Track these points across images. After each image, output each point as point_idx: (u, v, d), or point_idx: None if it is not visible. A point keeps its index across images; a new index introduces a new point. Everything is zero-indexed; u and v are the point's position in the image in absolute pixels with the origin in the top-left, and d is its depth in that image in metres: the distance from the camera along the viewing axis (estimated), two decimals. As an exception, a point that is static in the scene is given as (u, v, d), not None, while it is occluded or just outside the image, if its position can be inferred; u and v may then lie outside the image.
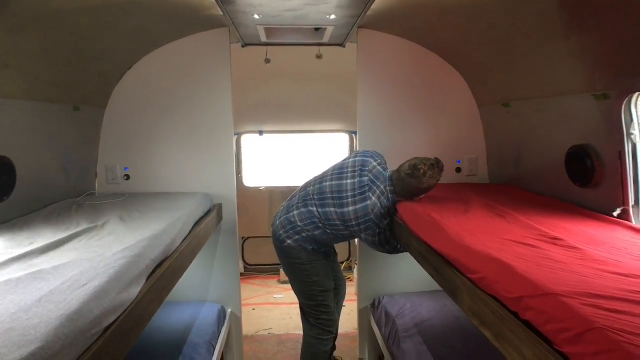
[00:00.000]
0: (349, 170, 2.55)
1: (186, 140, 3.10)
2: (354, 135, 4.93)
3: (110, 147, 3.05)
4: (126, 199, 2.74)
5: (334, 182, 2.54)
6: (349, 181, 2.50)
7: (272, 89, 4.64)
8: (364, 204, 2.42)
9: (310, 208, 2.56)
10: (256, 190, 5.19)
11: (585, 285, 1.18)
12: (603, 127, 1.94)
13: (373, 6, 2.40)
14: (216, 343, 2.72)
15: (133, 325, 1.35)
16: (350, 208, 2.45)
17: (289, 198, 2.76)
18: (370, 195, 2.43)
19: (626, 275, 1.27)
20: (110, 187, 3.07)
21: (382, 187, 2.45)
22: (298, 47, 3.41)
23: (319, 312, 2.67)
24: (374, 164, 2.56)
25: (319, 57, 3.47)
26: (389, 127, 3.20)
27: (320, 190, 2.57)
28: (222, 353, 2.96)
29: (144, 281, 1.53)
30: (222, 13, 2.51)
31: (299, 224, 2.57)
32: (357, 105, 3.17)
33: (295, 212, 2.60)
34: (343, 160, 2.68)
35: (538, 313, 1.12)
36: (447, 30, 2.79)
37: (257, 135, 5.04)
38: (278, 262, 2.81)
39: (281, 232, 2.62)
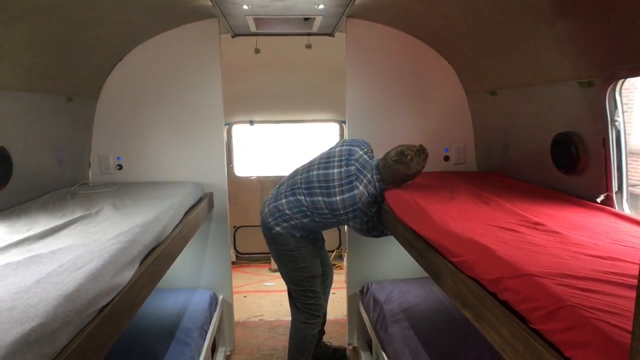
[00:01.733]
0: (335, 159, 2.56)
1: (177, 130, 3.12)
2: (343, 125, 4.97)
3: (103, 137, 3.07)
4: (119, 188, 2.77)
5: (320, 172, 2.57)
6: (335, 170, 2.52)
7: (262, 79, 4.66)
8: (351, 193, 2.45)
9: (299, 197, 2.59)
10: (247, 180, 5.22)
11: (560, 266, 1.24)
12: (588, 114, 1.99)
13: (362, -5, 2.44)
14: (208, 328, 2.77)
15: (126, 307, 1.40)
16: (338, 197, 2.47)
17: (277, 186, 2.80)
18: (357, 184, 2.45)
19: (602, 258, 1.33)
20: (103, 176, 3.09)
21: (368, 175, 2.47)
22: (287, 37, 3.43)
23: (306, 297, 2.73)
24: (360, 152, 2.57)
25: (309, 46, 3.50)
26: (378, 116, 3.24)
27: (308, 179, 2.59)
28: (214, 338, 3.02)
29: (137, 266, 1.57)
30: (211, 4, 2.53)
31: (287, 212, 2.60)
32: (346, 95, 3.20)
33: (284, 201, 2.63)
34: (329, 149, 2.70)
35: (514, 293, 1.18)
36: (435, 19, 2.83)
37: (248, 125, 5.07)
38: (269, 251, 2.87)
39: (270, 219, 2.66)
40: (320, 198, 2.53)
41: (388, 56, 3.20)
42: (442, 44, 3.13)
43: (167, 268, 1.92)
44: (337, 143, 2.76)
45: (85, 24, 2.34)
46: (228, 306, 3.35)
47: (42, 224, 1.88)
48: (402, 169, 2.42)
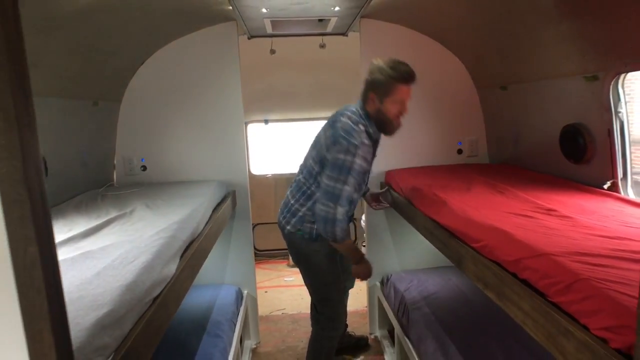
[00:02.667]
0: (320, 134, 2.37)
1: (199, 131, 3.23)
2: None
3: (127, 139, 3.19)
4: (145, 189, 2.89)
5: (310, 148, 2.43)
6: (322, 139, 2.30)
7: (276, 79, 4.78)
8: (334, 128, 2.22)
9: (297, 178, 2.43)
10: (263, 178, 5.34)
11: (574, 246, 1.34)
12: (594, 106, 2.08)
13: (376, -4, 2.53)
14: (236, 321, 2.89)
15: (174, 297, 1.52)
16: (322, 140, 2.26)
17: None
18: (340, 117, 2.23)
19: (612, 238, 1.43)
20: (128, 178, 3.22)
21: (352, 107, 2.28)
22: (302, 37, 3.53)
23: (322, 306, 2.53)
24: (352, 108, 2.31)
25: (322, 46, 3.60)
26: (392, 112, 3.32)
27: (304, 162, 2.43)
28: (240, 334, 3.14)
29: (178, 260, 1.69)
30: (231, 7, 2.64)
31: (291, 201, 2.41)
32: (361, 92, 3.29)
33: (288, 192, 2.48)
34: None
35: (534, 271, 1.28)
36: (445, 17, 2.91)
37: (263, 124, 5.18)
38: (286, 247, 2.78)
39: (281, 218, 2.48)
40: (309, 161, 2.33)
41: (401, 54, 3.22)
42: (452, 41, 3.22)
43: (203, 262, 2.04)
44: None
45: (112, 30, 2.45)
46: (252, 301, 3.47)
47: (81, 224, 1.99)
48: (377, 81, 2.18)
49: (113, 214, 2.14)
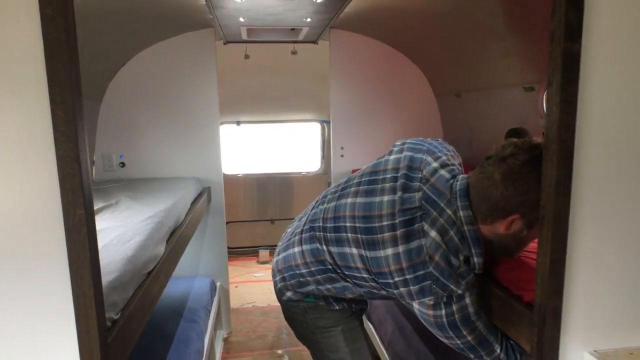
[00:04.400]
0: (388, 175, 1.44)
1: (176, 130, 3.40)
2: (325, 124, 5.34)
3: (107, 137, 3.32)
4: (125, 184, 3.04)
5: (359, 199, 1.44)
6: (385, 198, 1.38)
7: (249, 82, 4.99)
8: (412, 243, 1.29)
9: (318, 245, 1.50)
10: (234, 177, 5.51)
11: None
12: (531, 113, 2.40)
13: (345, 10, 2.79)
14: (211, 308, 3.08)
15: (164, 273, 1.71)
16: (389, 251, 1.31)
17: (299, 217, 1.73)
18: (426, 227, 1.29)
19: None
20: (106, 173, 3.35)
21: (448, 210, 1.31)
22: (275, 43, 3.76)
23: None
24: (434, 164, 1.40)
25: (294, 53, 3.86)
26: (359, 115, 3.60)
27: (336, 212, 1.47)
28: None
29: (165, 243, 1.88)
30: (210, 16, 2.84)
31: (302, 269, 1.55)
32: (330, 97, 3.55)
33: (297, 250, 1.57)
34: (379, 158, 1.57)
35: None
36: (408, 32, 3.20)
37: (235, 125, 5.37)
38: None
39: (277, 278, 1.66)
40: (353, 250, 1.40)
41: (367, 62, 3.56)
42: (414, 53, 3.52)
43: (184, 248, 2.23)
44: (395, 144, 1.60)
45: (96, 34, 2.60)
46: (225, 292, 3.66)
47: (69, 214, 2.16)
48: (501, 184, 1.24)
49: (100, 205, 2.30)
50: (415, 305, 1.33)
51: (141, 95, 3.33)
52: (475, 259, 1.30)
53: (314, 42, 3.75)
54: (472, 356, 1.38)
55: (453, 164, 1.44)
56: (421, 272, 1.27)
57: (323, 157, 5.51)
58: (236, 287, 4.69)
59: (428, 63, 3.50)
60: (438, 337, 1.38)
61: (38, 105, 0.87)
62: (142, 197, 2.52)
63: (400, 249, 1.29)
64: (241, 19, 2.90)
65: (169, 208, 2.18)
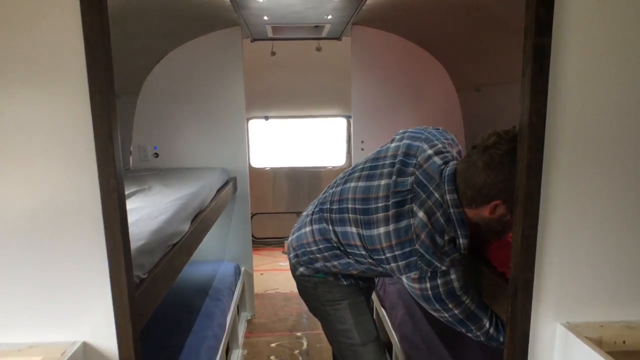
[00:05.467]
0: (387, 161, 1.58)
1: (206, 123, 3.62)
2: (350, 120, 5.48)
3: (142, 129, 3.58)
4: (158, 172, 3.28)
5: (360, 183, 1.59)
6: (382, 182, 1.52)
7: (276, 78, 5.20)
8: (402, 222, 1.43)
9: (325, 224, 1.66)
10: (262, 170, 5.73)
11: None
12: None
13: (364, 6, 2.91)
14: (235, 289, 3.28)
15: (187, 248, 1.91)
16: (381, 229, 1.46)
17: (313, 202, 1.88)
18: (415, 208, 1.42)
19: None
20: (142, 163, 3.61)
21: (436, 193, 1.43)
22: (300, 40, 3.93)
23: None
24: (428, 151, 1.54)
25: (319, 49, 4.02)
26: (380, 111, 3.71)
27: (342, 195, 1.63)
28: (237, 305, 3.53)
29: (189, 222, 2.08)
30: (237, 15, 3.02)
31: (313, 246, 1.72)
32: (351, 92, 3.69)
33: (308, 229, 1.74)
34: (382, 146, 1.74)
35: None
36: (429, 27, 3.30)
37: (263, 120, 5.58)
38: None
39: (291, 255, 1.85)
40: (353, 229, 1.55)
41: (388, 58, 3.68)
42: (434, 47, 3.61)
43: (209, 229, 2.43)
44: (397, 134, 1.74)
45: (135, 33, 2.84)
46: (249, 277, 3.86)
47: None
48: (484, 172, 1.36)
49: (134, 189, 2.53)
50: (404, 279, 1.47)
51: (174, 91, 3.56)
52: (461, 240, 1.41)
53: (338, 38, 3.89)
54: (463, 330, 1.49)
55: (448, 152, 1.55)
56: (408, 249, 1.40)
57: (348, 151, 5.66)
58: (261, 274, 4.90)
59: (449, 58, 3.58)
60: (429, 310, 1.50)
61: (80, 92, 1.06)
62: (172, 184, 2.74)
63: (391, 227, 1.43)
64: (265, 18, 3.08)
65: (195, 192, 2.38)
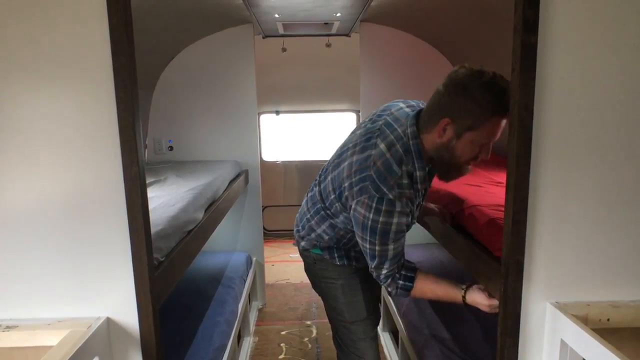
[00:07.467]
0: (366, 121, 1.71)
1: (219, 118, 3.73)
2: (359, 114, 5.56)
3: (158, 123, 3.71)
4: (173, 165, 3.40)
5: (342, 142, 1.76)
6: (357, 132, 1.67)
7: (287, 74, 5.30)
8: (364, 153, 1.54)
9: (314, 188, 1.83)
10: (273, 164, 5.85)
11: (499, 202, 1.80)
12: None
13: (372, 4, 2.99)
14: (246, 278, 3.40)
15: (201, 235, 2.02)
16: (346, 162, 1.59)
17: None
18: (378, 141, 1.53)
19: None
20: (157, 156, 3.74)
21: (399, 129, 1.54)
22: (310, 37, 4.02)
23: (346, 345, 1.91)
24: (401, 104, 1.68)
25: (328, 45, 4.10)
26: (387, 105, 3.79)
27: (328, 161, 1.80)
28: (249, 294, 3.65)
29: (203, 211, 2.19)
30: (248, 13, 3.12)
31: (307, 214, 1.85)
32: (360, 88, 3.77)
33: (304, 201, 1.92)
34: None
35: (467, 218, 1.75)
36: (436, 23, 3.36)
37: (274, 114, 5.69)
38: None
39: (295, 230, 1.98)
40: (329, 177, 1.69)
41: (396, 54, 3.75)
42: (442, 44, 3.67)
43: (222, 218, 2.54)
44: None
45: (151, 31, 2.95)
46: (260, 267, 3.98)
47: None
48: (441, 91, 1.48)
49: (151, 180, 2.65)
50: (354, 205, 1.54)
51: (188, 86, 3.68)
52: (417, 172, 1.53)
53: (347, 35, 3.97)
54: (368, 261, 1.61)
55: (422, 109, 1.61)
56: (363, 175, 1.51)
57: (358, 145, 5.73)
58: (273, 265, 5.03)
59: (455, 53, 3.64)
60: (357, 237, 1.61)
61: (106, 88, 1.17)
62: (187, 175, 2.86)
63: (354, 158, 1.57)
64: (276, 15, 3.18)
65: (208, 183, 2.50)
